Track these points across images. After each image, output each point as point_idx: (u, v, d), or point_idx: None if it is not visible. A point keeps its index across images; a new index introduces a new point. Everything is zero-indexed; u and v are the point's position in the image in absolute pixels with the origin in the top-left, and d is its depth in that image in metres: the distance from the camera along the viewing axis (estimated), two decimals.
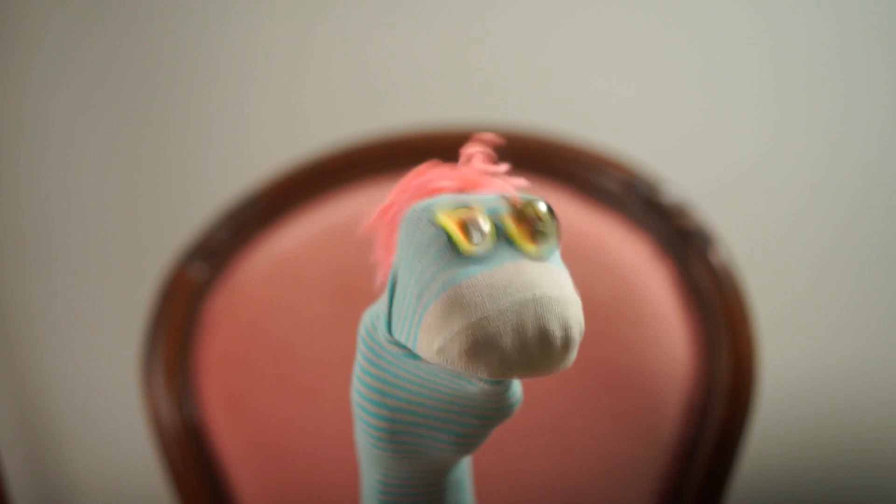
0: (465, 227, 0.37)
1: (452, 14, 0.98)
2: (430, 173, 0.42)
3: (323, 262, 0.79)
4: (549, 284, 0.36)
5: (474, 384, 0.39)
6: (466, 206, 0.38)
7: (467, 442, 0.43)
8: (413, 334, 0.38)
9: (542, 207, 0.38)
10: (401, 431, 0.43)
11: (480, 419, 0.42)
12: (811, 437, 1.06)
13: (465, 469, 0.47)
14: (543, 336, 0.35)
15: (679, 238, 0.78)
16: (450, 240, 0.37)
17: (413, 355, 0.40)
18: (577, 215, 0.79)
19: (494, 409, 0.41)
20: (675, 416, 0.77)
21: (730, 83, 1.00)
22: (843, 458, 1.06)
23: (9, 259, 1.03)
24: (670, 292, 0.78)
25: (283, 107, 1.00)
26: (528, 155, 0.81)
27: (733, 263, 0.78)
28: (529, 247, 0.37)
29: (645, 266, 0.78)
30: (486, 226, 0.37)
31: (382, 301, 0.42)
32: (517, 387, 0.41)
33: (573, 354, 0.37)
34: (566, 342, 0.36)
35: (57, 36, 0.97)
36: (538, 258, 0.37)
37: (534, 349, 0.35)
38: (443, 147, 0.83)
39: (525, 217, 0.38)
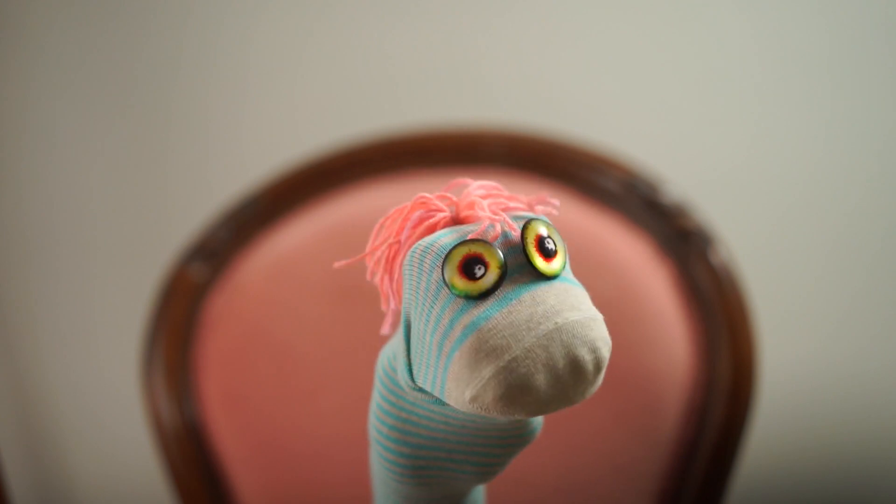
0: (465, 267, 0.36)
1: (452, 14, 0.98)
2: (422, 206, 0.40)
3: (323, 262, 0.79)
4: (569, 307, 0.35)
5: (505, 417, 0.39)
6: (465, 243, 0.36)
7: (490, 471, 0.42)
8: (440, 383, 0.36)
9: (542, 230, 0.37)
10: (423, 467, 0.42)
11: (504, 447, 0.41)
12: (811, 437, 1.05)
13: (479, 489, 0.47)
14: (575, 365, 0.34)
15: (679, 238, 0.78)
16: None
17: (440, 401, 0.39)
18: (577, 215, 0.79)
19: (519, 437, 0.41)
20: (675, 416, 0.77)
21: (730, 84, 1.00)
22: (843, 458, 1.06)
23: (9, 259, 1.03)
24: (670, 292, 0.78)
25: (283, 107, 1.00)
26: (529, 155, 0.81)
27: (733, 263, 0.78)
28: (544, 265, 0.36)
29: (645, 266, 0.78)
30: (492, 258, 0.36)
31: (398, 343, 0.40)
32: None
33: (603, 373, 0.36)
34: (597, 364, 0.35)
35: (57, 36, 0.97)
36: (552, 277, 0.36)
37: (567, 380, 0.34)
38: (443, 147, 0.83)
39: (532, 238, 0.37)
